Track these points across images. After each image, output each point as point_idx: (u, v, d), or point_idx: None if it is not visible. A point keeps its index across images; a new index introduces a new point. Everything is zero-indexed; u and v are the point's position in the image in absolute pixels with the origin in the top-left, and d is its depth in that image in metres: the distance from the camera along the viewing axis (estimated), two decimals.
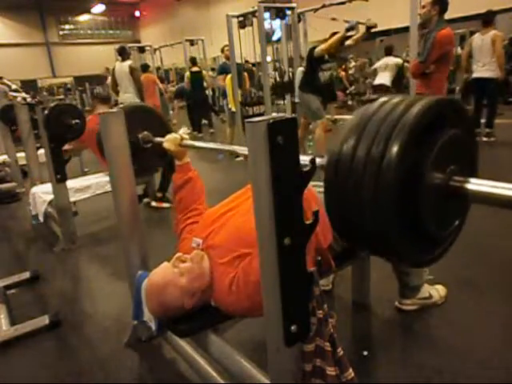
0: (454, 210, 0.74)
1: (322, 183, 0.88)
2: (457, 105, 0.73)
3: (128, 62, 6.16)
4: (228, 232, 1.39)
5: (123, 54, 6.28)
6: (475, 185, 0.67)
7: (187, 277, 1.31)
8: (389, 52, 6.92)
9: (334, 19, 4.79)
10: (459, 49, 8.29)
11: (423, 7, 3.24)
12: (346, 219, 0.73)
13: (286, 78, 6.10)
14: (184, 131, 1.61)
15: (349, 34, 4.37)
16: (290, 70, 6.16)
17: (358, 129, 0.70)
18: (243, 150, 1.17)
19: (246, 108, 5.86)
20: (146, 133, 1.83)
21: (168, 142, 1.60)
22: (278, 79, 6.20)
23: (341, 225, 0.76)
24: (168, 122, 9.08)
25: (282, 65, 6.50)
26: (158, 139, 1.74)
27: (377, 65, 7.07)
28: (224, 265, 1.30)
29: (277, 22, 5.89)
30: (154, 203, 3.76)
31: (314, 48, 4.55)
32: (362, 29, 4.48)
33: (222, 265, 1.31)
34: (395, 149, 0.63)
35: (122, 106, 1.98)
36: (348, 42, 4.46)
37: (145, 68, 7.90)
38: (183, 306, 1.31)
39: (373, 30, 4.41)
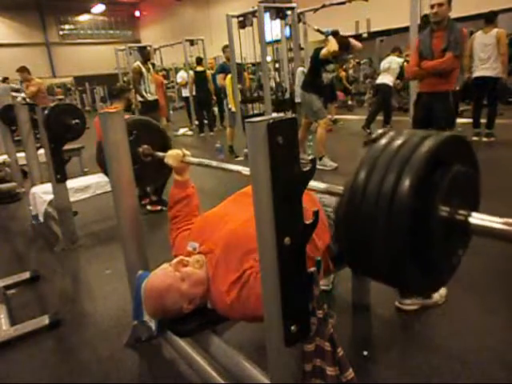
0: (457, 242, 0.79)
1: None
2: (465, 141, 0.77)
3: (135, 64, 6.24)
4: (226, 237, 1.37)
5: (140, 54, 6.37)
6: (476, 219, 0.71)
7: (188, 282, 1.30)
8: (394, 51, 6.93)
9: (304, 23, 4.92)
10: None
11: (439, 5, 3.22)
12: (357, 248, 0.76)
13: (287, 96, 6.09)
14: (187, 152, 1.62)
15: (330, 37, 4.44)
16: (291, 74, 6.16)
17: (368, 166, 0.72)
18: (246, 170, 1.15)
19: (246, 104, 5.88)
20: (146, 146, 1.82)
21: (170, 157, 1.60)
22: (278, 96, 6.21)
23: (352, 254, 0.78)
24: (168, 122, 9.15)
25: (282, 82, 6.51)
26: (159, 154, 1.74)
27: (381, 64, 7.09)
28: (223, 270, 1.29)
29: (277, 22, 5.89)
30: (149, 207, 3.76)
31: (319, 49, 4.57)
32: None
33: (220, 270, 1.30)
34: (407, 185, 0.66)
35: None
36: (354, 42, 4.55)
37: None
38: (181, 310, 1.31)
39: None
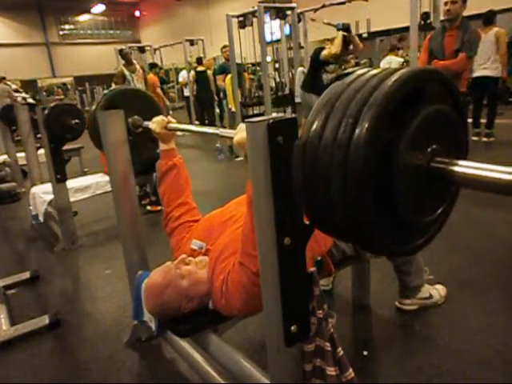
0: (437, 195, 0.68)
1: None
2: (441, 77, 0.65)
3: (119, 68, 6.30)
4: (227, 239, 1.37)
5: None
6: (461, 167, 0.60)
7: (188, 280, 1.31)
8: (392, 50, 6.94)
9: (312, 20, 4.88)
10: None
11: (452, 2, 3.14)
12: (315, 209, 0.68)
13: (286, 91, 6.15)
14: (172, 119, 1.58)
15: (344, 33, 4.37)
16: (290, 73, 6.22)
17: (326, 108, 0.63)
18: (229, 132, 1.16)
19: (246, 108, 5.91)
20: (136, 117, 1.71)
21: (155, 123, 1.55)
22: (278, 91, 6.29)
23: (311, 214, 0.71)
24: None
25: (282, 78, 6.59)
26: (147, 123, 1.65)
27: (381, 64, 7.10)
28: (220, 268, 1.30)
29: (276, 22, 5.91)
30: (149, 207, 3.76)
31: (320, 49, 4.56)
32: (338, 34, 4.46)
33: (218, 271, 1.30)
34: (364, 129, 0.56)
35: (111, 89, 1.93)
36: (351, 47, 4.51)
37: (150, 67, 8.00)
38: (180, 308, 1.31)
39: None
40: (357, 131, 0.57)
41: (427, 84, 0.64)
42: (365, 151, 0.57)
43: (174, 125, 1.55)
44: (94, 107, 1.81)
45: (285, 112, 6.55)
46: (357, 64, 11.60)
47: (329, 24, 4.80)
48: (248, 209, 1.08)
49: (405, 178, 0.60)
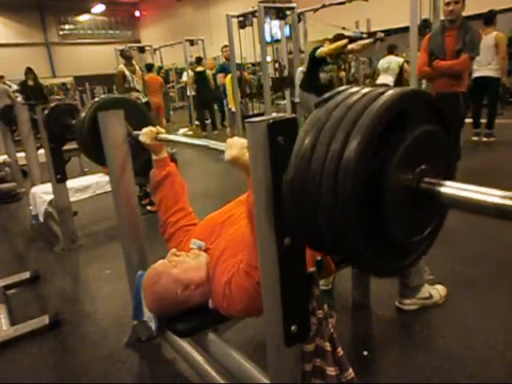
0: (426, 215, 0.69)
1: None
2: (430, 98, 0.67)
3: (119, 67, 6.29)
4: (228, 239, 1.38)
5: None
6: (448, 187, 0.61)
7: (180, 268, 1.32)
8: (391, 51, 6.94)
9: (343, 28, 4.87)
10: None
11: (455, 2, 3.14)
12: (305, 226, 0.70)
13: (285, 73, 6.23)
14: (161, 130, 1.58)
15: (352, 44, 4.41)
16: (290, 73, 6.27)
17: (310, 139, 0.64)
18: (220, 145, 1.16)
19: (247, 100, 5.91)
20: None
21: (144, 135, 1.54)
22: (277, 75, 6.36)
23: (300, 229, 0.72)
24: (168, 122, 9.15)
25: (281, 61, 6.67)
26: (136, 133, 1.63)
27: (380, 64, 7.11)
28: (222, 268, 1.30)
29: (276, 23, 5.92)
30: (149, 207, 3.76)
31: (317, 48, 4.57)
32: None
33: (219, 271, 1.30)
34: (350, 162, 0.58)
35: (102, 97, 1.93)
36: (351, 46, 4.50)
37: (149, 68, 8.00)
38: (177, 297, 1.31)
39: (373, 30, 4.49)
40: (343, 164, 0.58)
41: (415, 105, 0.64)
42: (352, 184, 0.57)
43: (163, 135, 1.55)
44: (83, 114, 1.81)
45: (283, 94, 6.57)
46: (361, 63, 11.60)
47: (343, 30, 4.80)
48: (249, 221, 1.06)
49: (394, 200, 0.61)
